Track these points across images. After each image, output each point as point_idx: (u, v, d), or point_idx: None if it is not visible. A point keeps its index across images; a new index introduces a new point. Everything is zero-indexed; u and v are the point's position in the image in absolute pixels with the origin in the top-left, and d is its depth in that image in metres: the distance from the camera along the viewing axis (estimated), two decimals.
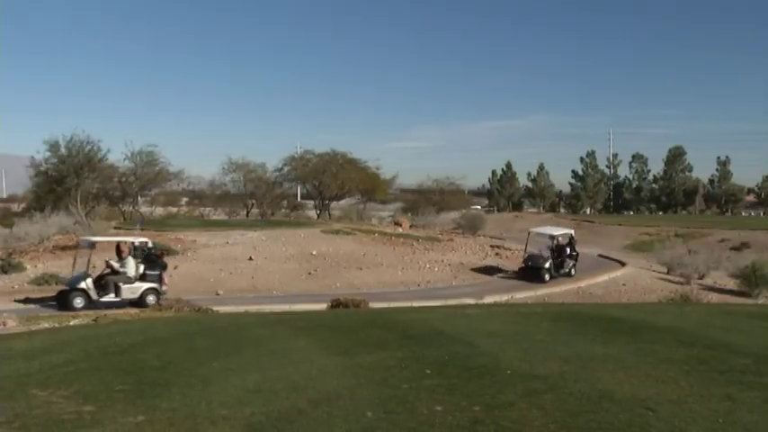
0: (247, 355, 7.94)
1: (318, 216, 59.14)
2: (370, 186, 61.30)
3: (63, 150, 47.54)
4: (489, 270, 33.46)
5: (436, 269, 32.67)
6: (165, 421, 5.27)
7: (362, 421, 5.07)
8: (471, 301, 23.83)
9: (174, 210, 61.73)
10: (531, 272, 31.03)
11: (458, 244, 40.53)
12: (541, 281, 30.02)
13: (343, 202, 66.10)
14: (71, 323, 14.92)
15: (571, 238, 33.82)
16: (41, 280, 26.66)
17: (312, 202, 65.65)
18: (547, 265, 30.83)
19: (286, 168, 60.99)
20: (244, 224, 46.01)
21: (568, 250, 32.50)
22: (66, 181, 46.89)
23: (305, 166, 60.56)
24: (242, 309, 19.34)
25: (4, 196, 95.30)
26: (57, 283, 26.38)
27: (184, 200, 65.28)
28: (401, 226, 51.00)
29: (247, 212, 60.56)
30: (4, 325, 14.57)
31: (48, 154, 48.07)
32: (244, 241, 35.84)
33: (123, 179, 55.18)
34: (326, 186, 59.49)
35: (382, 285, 28.69)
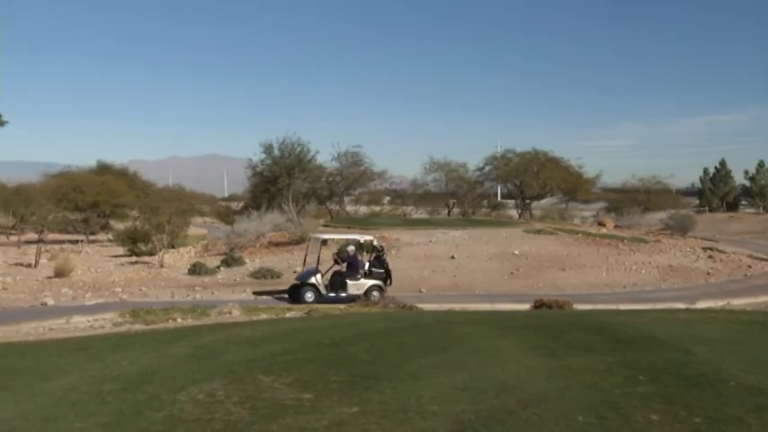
0: (454, 352, 8.04)
1: (519, 215, 58.51)
2: (572, 185, 59.69)
3: (276, 152, 50.52)
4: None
5: (643, 271, 31.22)
6: (378, 413, 5.47)
7: (574, 425, 4.98)
8: (682, 305, 22.52)
9: (378, 209, 63.63)
10: (296, 289, 23.22)
11: (666, 245, 38.41)
12: (300, 300, 22.21)
13: (544, 201, 64.99)
14: (287, 315, 15.89)
15: (375, 248, 24.76)
16: (259, 274, 28.56)
17: (512, 201, 65.10)
18: (312, 280, 22.94)
19: (487, 168, 60.94)
20: (445, 223, 46.52)
21: (367, 265, 23.81)
22: (279, 181, 49.75)
23: (506, 165, 60.15)
24: (445, 307, 19.58)
25: (226, 195, 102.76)
26: (272, 277, 28.24)
27: (387, 199, 67.10)
28: (605, 226, 49.31)
29: (448, 211, 61.23)
30: (231, 314, 15.88)
31: (263, 156, 51.32)
32: (446, 240, 36.24)
33: (330, 179, 57.75)
34: (528, 185, 58.71)
35: (586, 287, 27.87)
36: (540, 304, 17.89)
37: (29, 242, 39.34)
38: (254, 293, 24.71)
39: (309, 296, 22.48)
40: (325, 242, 25.63)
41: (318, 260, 24.20)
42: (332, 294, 22.79)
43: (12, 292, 23.93)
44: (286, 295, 23.37)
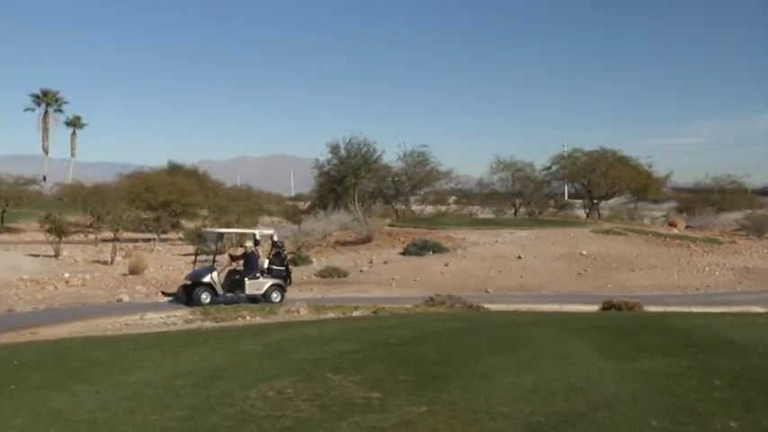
0: (522, 353, 7.98)
1: (587, 215, 57.56)
2: (641, 185, 58.31)
3: (343, 152, 50.84)
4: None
5: (717, 273, 30.29)
6: (446, 413, 5.47)
7: (647, 430, 4.89)
8: (760, 309, 21.77)
9: (443, 208, 63.42)
10: (189, 291, 20.52)
11: (741, 247, 37.20)
12: (197, 303, 19.67)
13: (612, 201, 63.70)
14: (354, 314, 15.98)
15: (275, 243, 22.32)
16: (326, 272, 28.79)
17: (580, 201, 64.05)
18: (206, 279, 20.42)
19: (554, 167, 60.11)
20: (512, 223, 46.11)
21: (267, 262, 21.45)
22: (346, 181, 50.02)
23: (573, 164, 59.23)
24: (512, 307, 19.41)
25: (293, 195, 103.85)
26: (338, 276, 28.47)
27: (453, 198, 66.80)
28: (676, 226, 48.11)
29: (515, 211, 60.62)
30: (298, 312, 16.09)
31: (330, 156, 51.72)
32: (512, 240, 35.91)
33: (396, 179, 57.73)
34: (596, 185, 57.67)
35: (656, 288, 27.22)
36: (608, 306, 17.57)
37: (105, 240, 40.57)
38: (163, 293, 22.78)
39: (205, 297, 20.03)
40: (221, 237, 23.48)
41: (215, 257, 22.29)
42: (229, 295, 20.56)
43: (90, 288, 24.77)
44: (183, 297, 20.53)
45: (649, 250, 34.38)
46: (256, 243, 21.63)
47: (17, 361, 8.49)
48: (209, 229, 26.43)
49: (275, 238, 22.60)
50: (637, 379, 6.44)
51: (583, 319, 13.02)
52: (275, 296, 20.92)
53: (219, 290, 20.38)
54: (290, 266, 22.55)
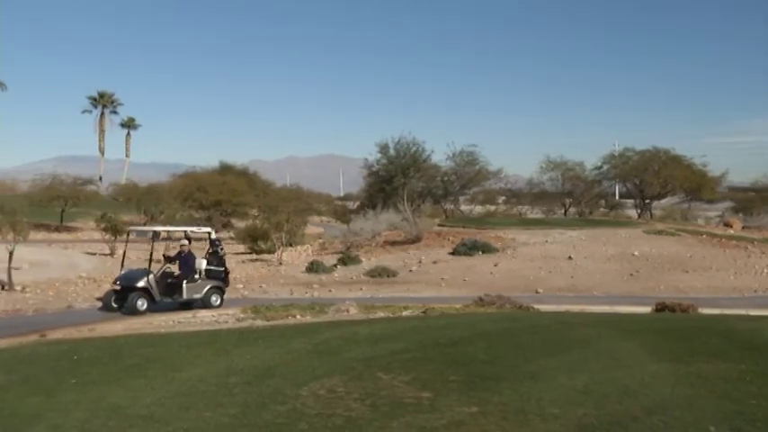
0: (574, 354, 7.89)
1: (639, 215, 56.64)
2: (695, 184, 57.17)
3: (392, 152, 50.95)
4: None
5: None
6: (497, 414, 5.45)
7: None
8: None
9: (492, 208, 63.09)
10: (121, 296, 18.37)
11: None
12: (132, 311, 17.63)
13: (664, 201, 62.55)
14: (403, 314, 15.99)
15: (213, 242, 20.66)
16: (375, 272, 28.86)
17: (631, 200, 63.07)
18: (141, 283, 18.23)
19: (605, 167, 59.30)
20: (562, 223, 45.64)
21: (205, 263, 19.69)
22: (395, 180, 50.12)
23: (625, 164, 58.36)
24: (562, 308, 19.20)
25: (342, 194, 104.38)
26: (387, 276, 28.51)
27: (502, 198, 66.40)
28: (732, 227, 46.95)
29: (565, 211, 60.02)
30: (348, 312, 16.15)
31: (379, 155, 51.88)
32: (563, 240, 35.52)
33: (445, 178, 57.58)
34: (648, 185, 56.71)
35: (712, 290, 26.57)
36: (662, 307, 17.22)
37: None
38: (97, 299, 20.48)
39: (141, 304, 18.00)
40: (156, 236, 21.33)
41: (151, 258, 20.17)
42: (167, 300, 18.78)
43: None
44: (113, 304, 18.46)
45: (704, 251, 33.64)
46: (189, 241, 20.11)
47: (77, 356, 8.73)
48: (138, 227, 25.06)
49: (213, 236, 21.13)
50: (693, 383, 6.31)
51: (635, 320, 12.82)
52: (214, 299, 19.43)
53: (157, 295, 18.56)
54: (227, 267, 21.03)
